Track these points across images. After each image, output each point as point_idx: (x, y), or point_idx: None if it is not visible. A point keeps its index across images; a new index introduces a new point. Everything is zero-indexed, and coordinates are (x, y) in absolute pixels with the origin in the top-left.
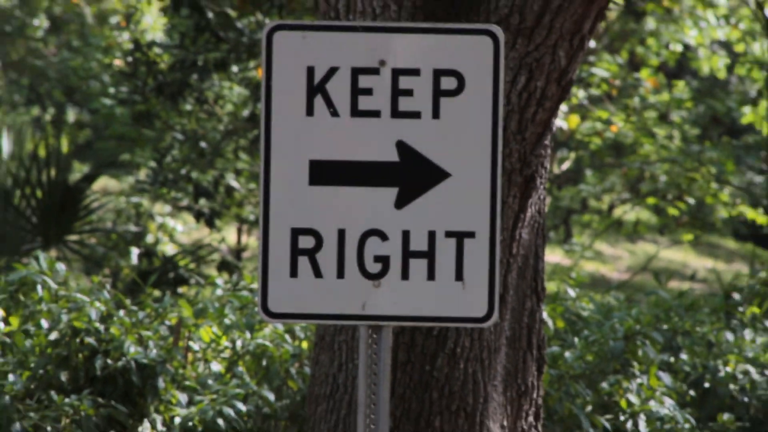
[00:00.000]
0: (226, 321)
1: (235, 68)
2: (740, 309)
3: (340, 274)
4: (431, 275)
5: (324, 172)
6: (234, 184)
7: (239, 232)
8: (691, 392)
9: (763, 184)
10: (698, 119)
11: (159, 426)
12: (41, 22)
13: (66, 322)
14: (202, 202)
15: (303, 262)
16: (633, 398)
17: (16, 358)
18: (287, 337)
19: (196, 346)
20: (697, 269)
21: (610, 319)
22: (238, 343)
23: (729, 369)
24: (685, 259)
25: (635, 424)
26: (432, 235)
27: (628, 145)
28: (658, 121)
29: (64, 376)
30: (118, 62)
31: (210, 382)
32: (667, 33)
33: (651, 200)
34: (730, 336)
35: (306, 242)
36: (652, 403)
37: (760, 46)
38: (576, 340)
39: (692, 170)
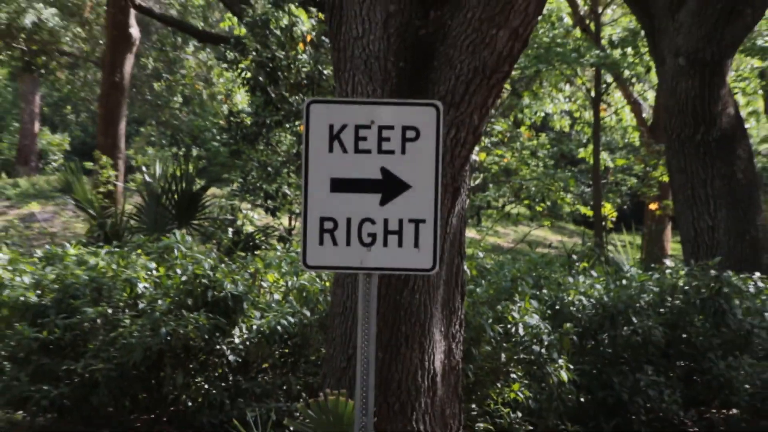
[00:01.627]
0: (283, 270)
1: (287, 125)
2: (577, 264)
3: (348, 243)
4: (400, 244)
5: (339, 185)
6: (287, 191)
7: (290, 219)
8: (549, 311)
9: (589, 193)
10: (553, 155)
11: (243, 331)
12: (178, 99)
13: (191, 271)
14: (269, 202)
15: (326, 236)
16: (516, 315)
17: (161, 291)
18: (317, 279)
19: (265, 285)
20: (553, 241)
21: (503, 269)
22: (290, 283)
23: (570, 298)
24: (546, 236)
25: (517, 330)
26: (401, 222)
27: (513, 170)
28: (530, 156)
29: (189, 302)
30: (222, 122)
31: (273, 305)
32: (535, 106)
33: (526, 201)
34: (571, 279)
35: (328, 225)
36: (526, 318)
37: (588, 113)
38: (483, 282)
39: (550, 185)
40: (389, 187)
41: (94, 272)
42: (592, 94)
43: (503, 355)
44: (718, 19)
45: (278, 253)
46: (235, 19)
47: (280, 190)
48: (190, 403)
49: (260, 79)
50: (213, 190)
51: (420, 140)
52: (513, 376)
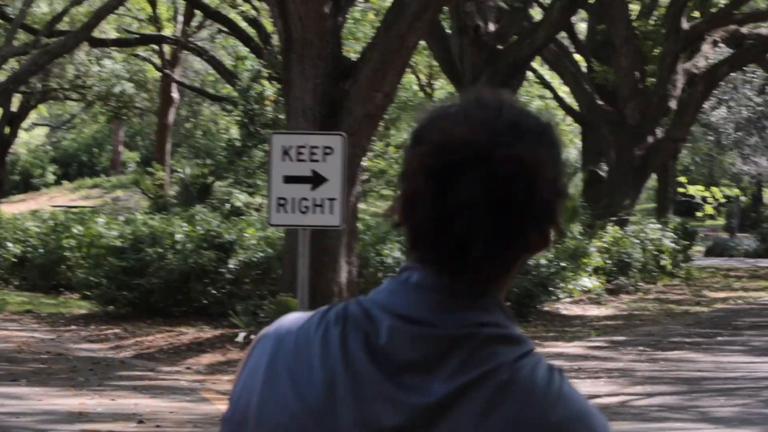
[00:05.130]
0: (257, 226)
1: (260, 146)
2: None
3: (293, 211)
4: (322, 212)
5: (288, 179)
6: (259, 182)
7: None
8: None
9: None
10: None
11: (235, 261)
12: (199, 132)
13: (205, 227)
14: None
15: (281, 208)
16: (387, 251)
17: (189, 239)
18: (277, 231)
19: (247, 235)
20: None
21: (380, 225)
22: (261, 234)
23: None
24: None
25: (388, 260)
26: (322, 200)
27: (385, 171)
28: (395, 162)
29: (205, 245)
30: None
31: (251, 247)
32: (398, 134)
33: (393, 188)
34: None
35: (282, 201)
36: (393, 253)
37: None
38: (368, 232)
39: None
40: (316, 180)
41: (151, 228)
42: None
43: (380, 274)
44: (498, 87)
45: (254, 217)
46: (230, 87)
47: (256, 182)
48: (205, 301)
49: (245, 121)
50: (218, 183)
51: (334, 154)
52: None
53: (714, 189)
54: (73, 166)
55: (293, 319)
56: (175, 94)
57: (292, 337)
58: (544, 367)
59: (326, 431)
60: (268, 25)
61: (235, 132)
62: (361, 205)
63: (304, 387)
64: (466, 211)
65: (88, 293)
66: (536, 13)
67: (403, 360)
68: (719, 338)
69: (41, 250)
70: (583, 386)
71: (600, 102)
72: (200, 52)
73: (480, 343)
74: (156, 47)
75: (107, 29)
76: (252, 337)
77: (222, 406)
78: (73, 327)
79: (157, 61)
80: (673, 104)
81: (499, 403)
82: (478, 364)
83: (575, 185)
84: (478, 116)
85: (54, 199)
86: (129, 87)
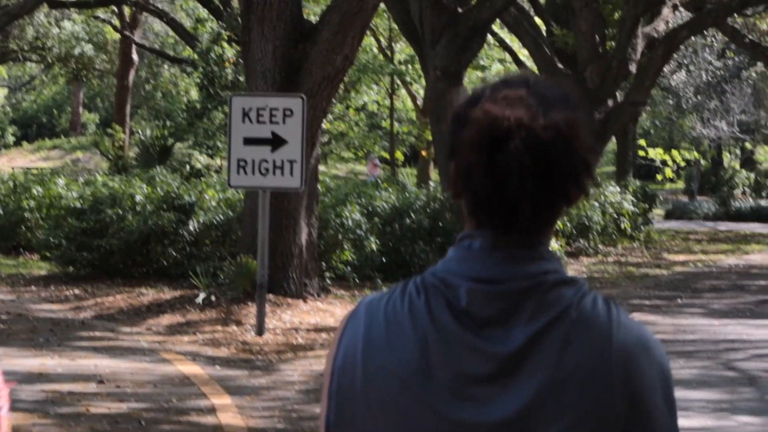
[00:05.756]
0: (217, 188)
1: (220, 108)
2: (381, 184)
3: (253, 173)
4: (282, 174)
5: (248, 141)
6: (219, 144)
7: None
8: (365, 211)
9: (387, 145)
10: (368, 124)
11: (195, 222)
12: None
13: (165, 189)
14: (209, 150)
15: (241, 169)
16: (347, 213)
17: (149, 200)
18: (236, 193)
19: (207, 197)
20: (368, 173)
21: (340, 188)
22: (220, 196)
23: (377, 203)
24: (364, 169)
25: (348, 221)
26: (282, 161)
27: (345, 132)
28: (354, 124)
29: (165, 206)
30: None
31: (211, 208)
32: (358, 97)
33: (352, 149)
34: (378, 193)
35: (242, 163)
36: (353, 215)
37: (387, 101)
38: (328, 194)
39: (365, 140)
40: (276, 142)
41: (111, 190)
42: (389, 90)
43: (340, 236)
44: (458, 50)
45: (214, 179)
46: (190, 49)
47: (216, 144)
48: (165, 263)
49: (205, 83)
50: (178, 145)
51: (293, 116)
52: (345, 247)
53: (674, 152)
54: (32, 128)
55: (377, 297)
56: (134, 56)
57: (381, 311)
58: (602, 301)
59: (427, 388)
60: None
61: (194, 94)
62: (321, 167)
63: (402, 353)
64: (515, 176)
65: (48, 254)
66: None
67: (483, 316)
68: (679, 301)
69: (1, 212)
70: None
71: (560, 66)
72: (160, 14)
73: (546, 290)
74: (116, 9)
75: None
76: (212, 298)
77: (182, 367)
78: (33, 288)
79: (117, 22)
80: (633, 68)
81: (572, 339)
82: (548, 309)
83: None
84: (512, 94)
85: (14, 161)
86: (89, 49)
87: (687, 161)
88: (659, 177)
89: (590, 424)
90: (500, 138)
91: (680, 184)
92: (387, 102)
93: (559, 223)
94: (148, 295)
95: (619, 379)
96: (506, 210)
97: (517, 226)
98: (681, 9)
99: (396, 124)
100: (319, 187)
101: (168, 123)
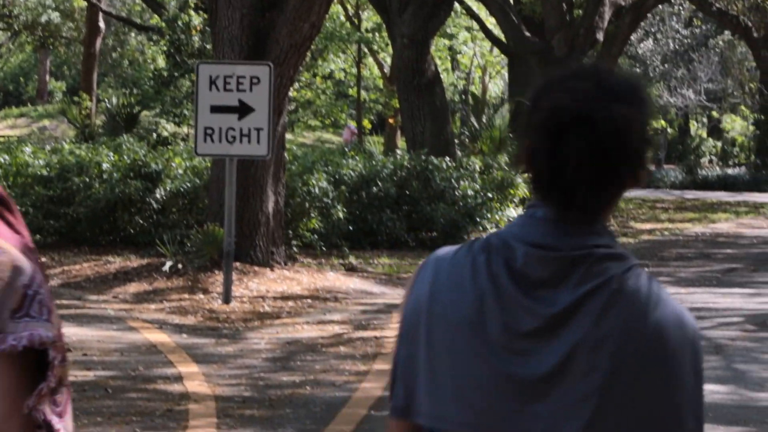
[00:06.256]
0: (184, 156)
1: (187, 76)
2: (348, 152)
3: (220, 141)
4: (249, 141)
5: (215, 109)
6: (186, 112)
7: (188, 128)
8: (332, 179)
9: (355, 113)
10: (335, 92)
11: (162, 191)
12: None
13: (132, 156)
14: (176, 118)
15: (208, 137)
16: (314, 181)
17: (116, 168)
18: (203, 161)
19: (174, 165)
20: (334, 141)
21: (306, 156)
22: (187, 164)
23: (344, 171)
24: (330, 137)
25: (315, 189)
26: (249, 129)
27: (312, 101)
28: (322, 93)
29: (131, 174)
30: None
31: (178, 176)
32: (325, 65)
33: (320, 117)
34: (344, 161)
35: (209, 131)
36: (320, 183)
37: (354, 69)
38: (295, 162)
39: (333, 108)
40: (243, 110)
41: (78, 158)
42: (356, 58)
43: (307, 204)
44: (425, 18)
45: (181, 147)
46: (157, 17)
47: (183, 112)
48: (132, 231)
49: (172, 51)
50: (145, 113)
51: (260, 84)
52: (312, 215)
53: None
54: None
55: (446, 251)
56: (101, 24)
57: (447, 265)
58: (645, 277)
59: (480, 337)
60: None
61: (162, 62)
62: (288, 135)
63: (460, 303)
64: (573, 163)
65: None
66: None
67: (536, 278)
68: (646, 269)
69: None
70: None
71: (527, 34)
72: None
73: (594, 261)
74: None
75: None
76: (179, 266)
77: (148, 335)
78: None
79: None
80: (600, 36)
81: (611, 307)
82: (594, 277)
83: (502, 117)
84: (580, 86)
85: None
86: (55, 16)
87: (654, 129)
88: None
89: (620, 385)
90: (563, 126)
91: None
92: (354, 70)
93: (526, 191)
94: (115, 263)
95: (651, 349)
96: (564, 192)
97: (574, 207)
98: None
99: (363, 92)
100: (286, 155)
101: (135, 91)
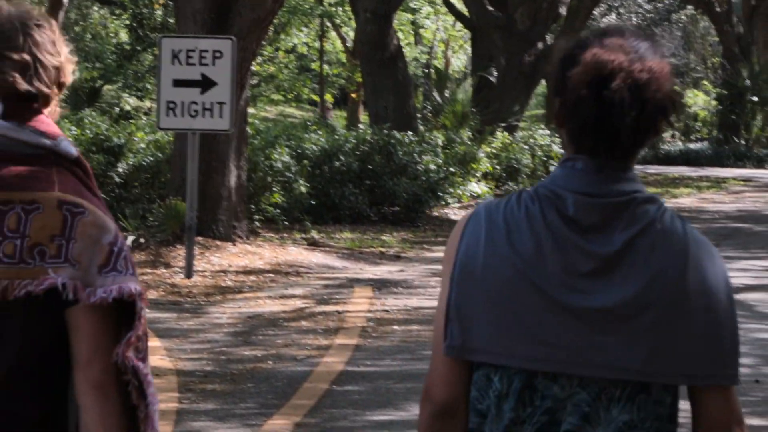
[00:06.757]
0: (146, 130)
1: (149, 50)
2: (310, 126)
3: (183, 115)
4: (212, 116)
5: (178, 83)
6: (148, 86)
7: (150, 102)
8: (295, 153)
9: (317, 87)
10: (298, 67)
11: (124, 165)
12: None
13: (94, 131)
14: (138, 93)
15: (170, 111)
16: (277, 156)
17: (78, 143)
18: (166, 135)
19: (136, 139)
20: (297, 115)
21: (269, 130)
22: (149, 138)
23: (306, 145)
24: (293, 111)
25: (277, 164)
26: (212, 104)
27: (275, 75)
28: (284, 67)
29: (94, 148)
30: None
31: (140, 150)
32: (288, 39)
33: (282, 92)
34: (307, 135)
35: (171, 105)
36: (283, 157)
37: (317, 43)
38: (258, 136)
39: (296, 83)
40: (205, 84)
41: None
42: (319, 32)
43: (269, 178)
44: None
45: (144, 121)
46: None
47: (145, 86)
48: None
49: (134, 24)
50: (107, 87)
51: (223, 58)
52: (274, 189)
53: None
54: None
55: (494, 202)
56: None
57: (500, 215)
58: (677, 217)
59: (540, 275)
60: None
61: (124, 36)
62: (251, 110)
63: (520, 246)
64: (618, 109)
65: None
66: None
67: (587, 223)
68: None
69: None
70: None
71: (490, 8)
72: None
73: (636, 205)
74: None
75: None
76: (141, 240)
77: None
78: None
79: None
80: (563, 10)
81: (658, 243)
82: (639, 219)
83: (465, 91)
84: (615, 42)
85: None
86: None
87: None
88: None
89: (673, 314)
90: (606, 77)
91: None
92: (317, 44)
93: (488, 165)
94: None
95: (695, 279)
96: (610, 135)
97: (617, 151)
98: None
99: (326, 66)
100: (248, 129)
101: (97, 65)
